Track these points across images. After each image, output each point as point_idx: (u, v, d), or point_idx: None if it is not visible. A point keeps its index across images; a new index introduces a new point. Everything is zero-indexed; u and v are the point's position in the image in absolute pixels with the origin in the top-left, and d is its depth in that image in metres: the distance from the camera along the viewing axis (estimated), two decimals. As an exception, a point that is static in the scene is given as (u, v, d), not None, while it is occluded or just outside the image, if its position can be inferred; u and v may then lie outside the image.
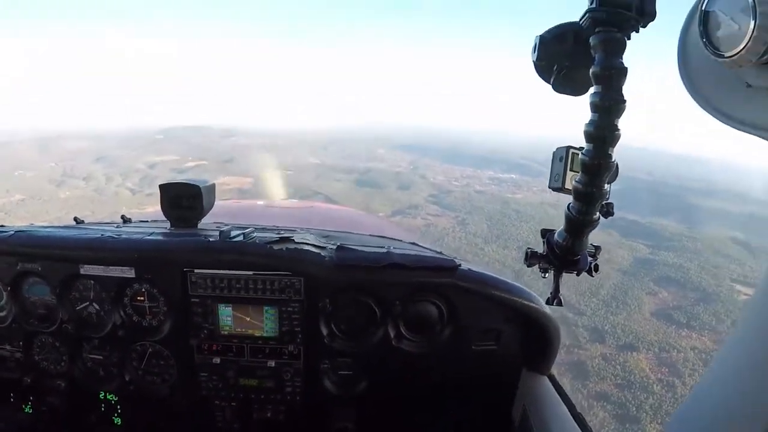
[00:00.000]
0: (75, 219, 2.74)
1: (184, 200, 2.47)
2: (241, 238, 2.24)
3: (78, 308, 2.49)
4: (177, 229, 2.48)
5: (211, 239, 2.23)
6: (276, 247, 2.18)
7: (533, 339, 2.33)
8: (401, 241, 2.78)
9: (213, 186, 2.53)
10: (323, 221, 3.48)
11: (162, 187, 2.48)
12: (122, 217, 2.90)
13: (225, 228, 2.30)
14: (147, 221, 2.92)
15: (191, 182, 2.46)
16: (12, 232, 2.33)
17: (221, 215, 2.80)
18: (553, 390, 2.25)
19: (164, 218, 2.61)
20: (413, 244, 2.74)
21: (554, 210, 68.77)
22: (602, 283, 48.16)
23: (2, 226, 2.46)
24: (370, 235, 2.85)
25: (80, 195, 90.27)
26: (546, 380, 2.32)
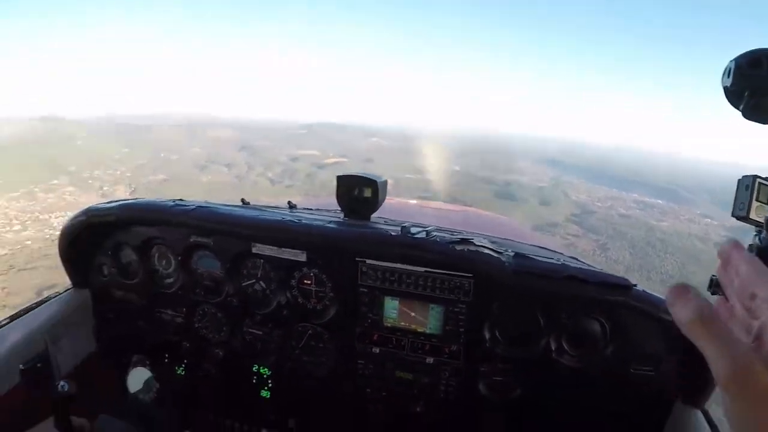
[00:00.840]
0: (242, 200, 2.85)
1: (360, 193, 2.49)
2: (423, 235, 2.25)
3: (244, 284, 2.58)
4: (350, 220, 2.50)
5: (392, 233, 2.25)
6: (458, 247, 2.18)
7: (694, 369, 2.16)
8: (563, 254, 2.67)
9: (386, 182, 2.54)
10: (480, 227, 3.13)
11: (340, 178, 2.50)
12: (288, 203, 2.95)
13: (406, 224, 2.35)
14: (311, 209, 2.91)
15: (368, 176, 2.48)
16: (194, 207, 2.44)
17: (379, 211, 2.66)
18: (707, 425, 2.14)
19: (327, 208, 2.75)
20: (573, 258, 2.66)
21: (702, 244, 69.28)
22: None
23: (182, 200, 2.58)
24: (532, 245, 2.74)
25: (221, 181, 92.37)
26: (700, 415, 2.20)
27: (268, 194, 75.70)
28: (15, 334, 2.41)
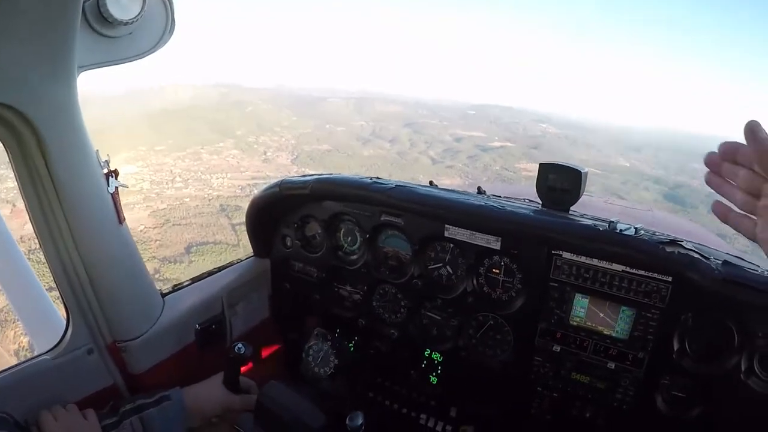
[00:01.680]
0: (430, 182, 2.71)
1: (562, 183, 2.36)
2: (631, 232, 2.10)
3: (430, 267, 2.53)
4: (549, 210, 2.35)
5: (600, 228, 2.13)
6: (668, 249, 2.04)
7: None
8: (759, 266, 2.29)
9: (587, 174, 2.37)
10: (668, 228, 2.72)
11: (542, 166, 2.37)
12: (478, 188, 2.77)
13: (613, 219, 2.18)
14: (500, 197, 2.67)
15: (572, 166, 2.34)
16: (393, 185, 2.41)
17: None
18: None
19: (517, 196, 2.62)
20: None
21: None
22: None
23: (379, 178, 2.53)
24: (728, 254, 2.34)
25: (382, 155, 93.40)
26: None
27: (427, 173, 73.64)
28: (195, 295, 2.54)
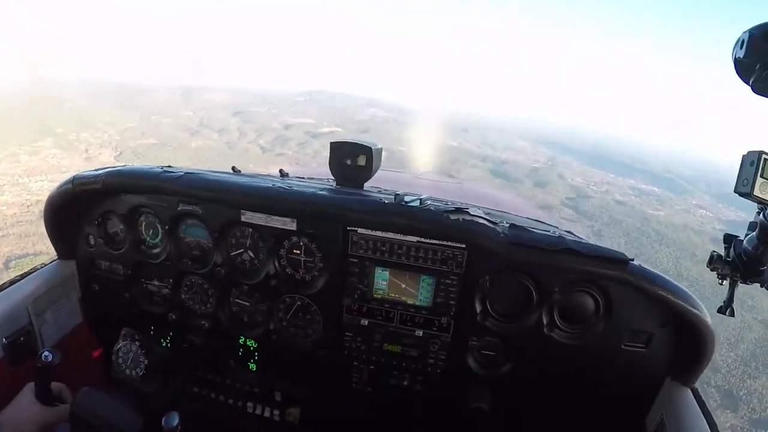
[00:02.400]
0: (233, 168, 2.82)
1: (353, 160, 2.47)
2: (417, 203, 2.19)
3: (232, 254, 2.55)
4: (343, 188, 2.46)
5: (386, 201, 2.20)
6: (452, 216, 2.12)
7: (685, 347, 2.21)
8: (558, 227, 2.67)
9: (381, 150, 2.49)
10: (475, 199, 3.01)
11: (333, 145, 2.48)
12: (280, 171, 2.88)
13: (399, 192, 2.28)
14: (303, 177, 2.86)
15: (363, 143, 2.44)
16: (182, 173, 2.39)
17: (372, 180, 2.64)
18: (696, 403, 2.14)
19: (320, 177, 2.71)
20: (569, 232, 2.63)
21: (697, 237, 69.70)
22: (743, 335, 42.06)
23: (170, 167, 2.51)
24: (528, 218, 2.73)
25: (211, 146, 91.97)
26: (689, 392, 2.21)
27: (258, 162, 75.68)
28: None
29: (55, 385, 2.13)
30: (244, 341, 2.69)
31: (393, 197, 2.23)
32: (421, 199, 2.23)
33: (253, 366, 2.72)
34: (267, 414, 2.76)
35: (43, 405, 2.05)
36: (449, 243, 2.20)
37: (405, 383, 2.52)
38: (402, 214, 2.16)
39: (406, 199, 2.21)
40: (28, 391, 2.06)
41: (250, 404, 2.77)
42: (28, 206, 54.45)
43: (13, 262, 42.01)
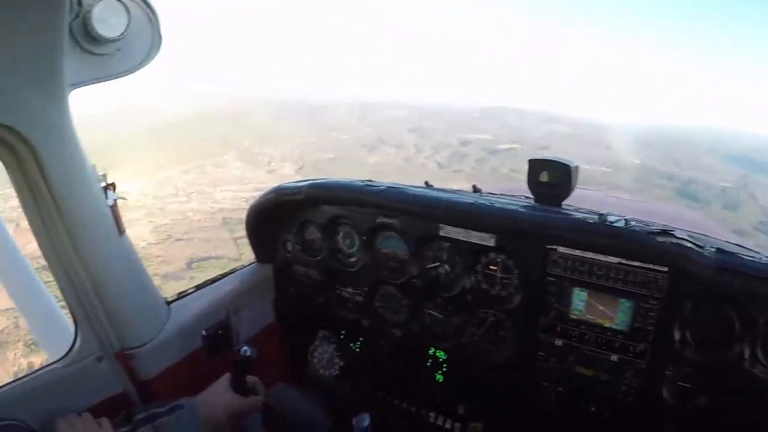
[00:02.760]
0: (426, 183, 2.82)
1: (553, 177, 2.39)
2: (621, 224, 2.15)
3: (428, 266, 2.61)
4: (542, 206, 2.42)
5: (589, 221, 2.19)
6: (659, 239, 2.07)
7: None
8: (761, 254, 2.38)
9: (578, 168, 2.42)
10: (668, 220, 2.70)
11: (532, 162, 2.42)
12: (473, 187, 2.82)
13: (602, 212, 2.24)
14: (496, 194, 2.76)
15: (562, 161, 2.39)
16: (384, 187, 2.52)
17: (568, 199, 2.59)
18: None
19: (513, 193, 2.65)
20: None
21: None
22: None
23: (371, 181, 2.65)
24: (728, 242, 2.50)
25: (388, 162, 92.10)
26: None
27: (435, 178, 70.25)
28: (200, 302, 2.64)
29: (249, 378, 2.28)
30: (434, 352, 2.71)
31: (597, 217, 2.19)
32: (626, 220, 2.17)
33: (440, 377, 2.71)
34: (448, 426, 2.71)
35: (237, 395, 2.21)
36: (651, 266, 2.12)
37: (593, 408, 2.41)
38: (607, 235, 2.13)
39: (610, 219, 2.17)
40: (224, 380, 2.23)
41: (432, 414, 2.75)
42: (212, 214, 54.67)
43: (195, 263, 43.26)
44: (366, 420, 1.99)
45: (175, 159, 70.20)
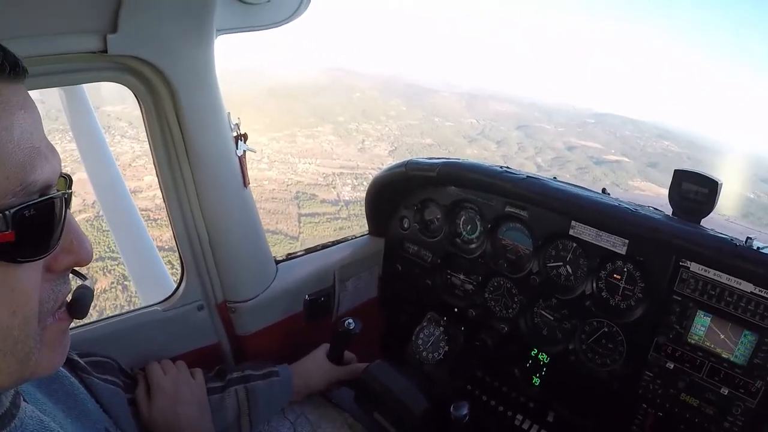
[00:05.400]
0: (554, 178, 2.56)
1: (697, 192, 2.24)
2: None
3: (549, 265, 2.45)
4: (680, 219, 2.24)
5: (735, 243, 2.00)
6: None
7: None
8: None
9: (722, 186, 2.23)
10: None
11: (678, 172, 2.25)
12: (603, 189, 2.54)
13: (752, 235, 2.06)
14: (625, 201, 2.46)
15: (710, 176, 2.22)
16: (524, 176, 2.33)
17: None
18: None
19: (640, 202, 2.42)
20: None
21: None
22: None
23: (510, 168, 2.45)
24: None
25: (486, 156, 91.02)
26: None
27: None
28: (307, 266, 2.56)
29: (347, 353, 2.30)
30: (537, 354, 2.53)
31: (743, 240, 1.99)
32: None
33: (536, 380, 2.54)
34: None
35: (334, 365, 2.22)
36: None
37: None
38: (753, 260, 1.94)
39: (757, 244, 1.98)
40: (322, 350, 2.24)
41: (519, 416, 2.60)
42: (287, 185, 54.16)
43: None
44: (465, 409, 1.95)
45: (270, 125, 70.43)
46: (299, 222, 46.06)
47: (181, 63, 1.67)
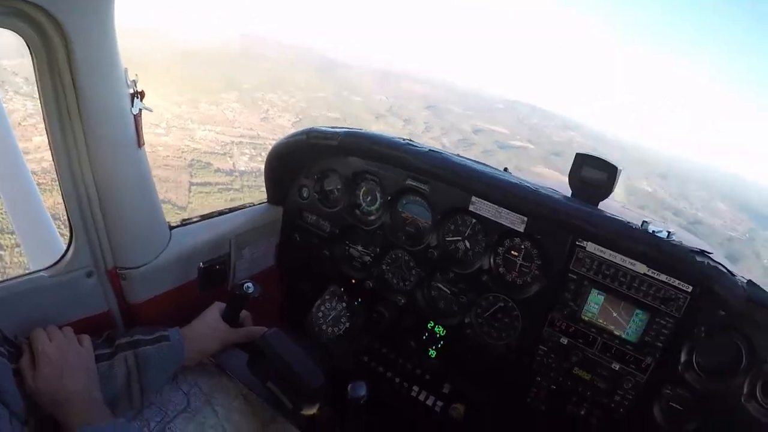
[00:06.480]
0: (457, 155, 2.56)
1: (596, 176, 2.29)
2: (664, 234, 2.07)
3: (447, 239, 2.51)
4: (579, 201, 2.29)
5: (632, 225, 2.10)
6: (698, 258, 2.01)
7: None
8: None
9: (621, 172, 2.33)
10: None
11: (579, 156, 2.33)
12: (504, 169, 2.59)
13: (646, 219, 2.17)
14: (527, 181, 2.50)
15: (610, 161, 2.30)
16: (427, 149, 2.36)
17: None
18: None
19: (543, 185, 2.46)
20: None
21: None
22: None
23: (412, 141, 2.47)
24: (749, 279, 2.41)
25: (391, 133, 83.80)
26: None
27: None
28: (202, 233, 2.47)
29: (242, 313, 2.23)
30: (433, 326, 2.61)
31: (639, 223, 2.09)
32: (668, 232, 2.09)
33: (432, 353, 2.64)
34: (430, 403, 2.66)
35: (229, 326, 2.15)
36: (676, 283, 2.07)
37: (582, 412, 2.35)
38: (649, 243, 2.03)
39: (652, 228, 2.08)
40: (216, 309, 2.15)
41: (415, 388, 2.69)
42: (182, 152, 53.16)
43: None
44: (363, 389, 1.93)
45: (173, 89, 68.60)
46: (189, 191, 45.72)
47: (78, 10, 1.56)
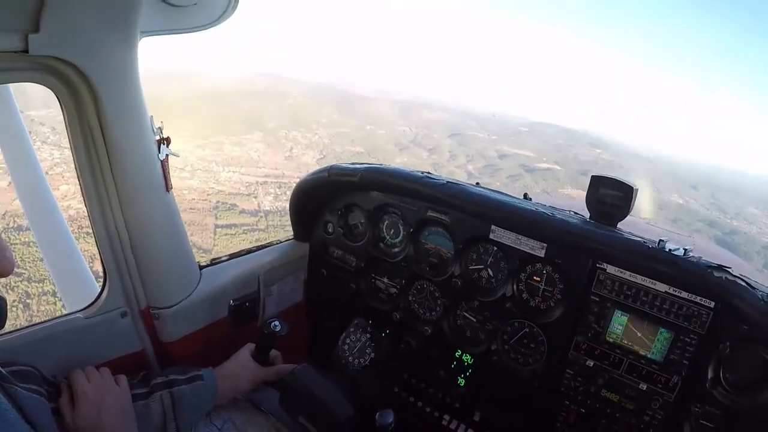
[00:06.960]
0: (476, 183, 2.61)
1: (613, 197, 2.31)
2: (680, 252, 2.09)
3: (470, 268, 2.54)
4: (597, 223, 2.33)
5: (648, 245, 2.12)
6: (716, 273, 2.00)
7: None
8: None
9: (638, 191, 2.33)
10: (711, 258, 2.53)
11: (594, 178, 2.34)
12: (524, 195, 2.64)
13: (663, 238, 2.18)
14: (546, 205, 2.55)
15: (626, 182, 2.31)
16: (444, 182, 2.42)
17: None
18: None
19: (562, 207, 2.53)
20: None
21: None
22: None
23: (430, 173, 2.52)
24: None
25: (416, 164, 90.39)
26: None
27: None
28: (231, 271, 2.55)
29: (273, 352, 2.29)
30: (461, 355, 2.62)
31: (656, 243, 2.11)
32: (685, 249, 2.10)
33: (462, 381, 2.63)
34: (461, 431, 2.67)
35: (260, 365, 2.21)
36: (698, 300, 2.06)
37: None
38: (665, 261, 2.04)
39: (669, 246, 2.10)
40: (246, 350, 2.23)
41: (446, 417, 2.68)
42: (207, 195, 53.13)
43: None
44: (390, 417, 1.94)
45: (197, 132, 69.03)
46: (214, 234, 45.44)
47: (104, 65, 1.65)
